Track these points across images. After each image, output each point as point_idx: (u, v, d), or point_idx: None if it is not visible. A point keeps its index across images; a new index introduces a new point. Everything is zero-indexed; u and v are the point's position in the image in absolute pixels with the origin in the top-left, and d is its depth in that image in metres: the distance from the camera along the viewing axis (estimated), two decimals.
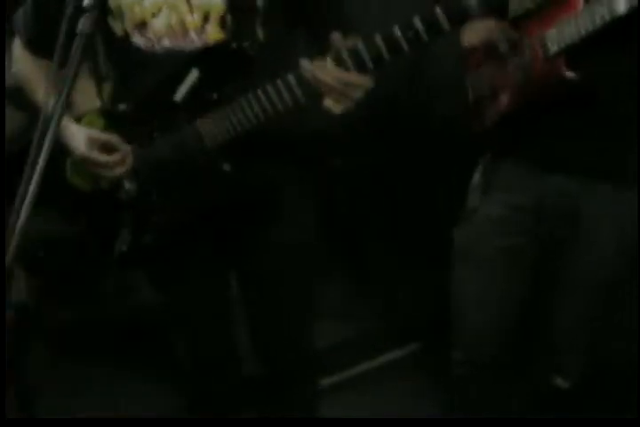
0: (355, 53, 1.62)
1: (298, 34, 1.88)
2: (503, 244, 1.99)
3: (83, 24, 1.39)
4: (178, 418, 2.39)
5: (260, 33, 1.81)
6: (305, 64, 1.66)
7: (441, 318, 2.21)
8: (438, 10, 1.53)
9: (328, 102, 1.69)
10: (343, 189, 3.09)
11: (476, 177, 2.09)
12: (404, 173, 3.06)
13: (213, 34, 1.80)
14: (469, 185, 2.11)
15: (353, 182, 3.13)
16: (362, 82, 1.64)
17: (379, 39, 1.59)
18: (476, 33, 1.92)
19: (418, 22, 1.55)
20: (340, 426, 2.38)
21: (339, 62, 1.63)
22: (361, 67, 1.62)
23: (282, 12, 1.83)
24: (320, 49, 1.71)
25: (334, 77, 1.63)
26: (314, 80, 1.65)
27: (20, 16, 1.92)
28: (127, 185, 1.88)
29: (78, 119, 1.90)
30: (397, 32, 1.57)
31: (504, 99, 1.95)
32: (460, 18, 1.54)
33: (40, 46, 1.90)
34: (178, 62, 1.78)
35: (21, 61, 1.96)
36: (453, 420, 2.23)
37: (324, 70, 1.64)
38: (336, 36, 1.65)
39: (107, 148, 1.84)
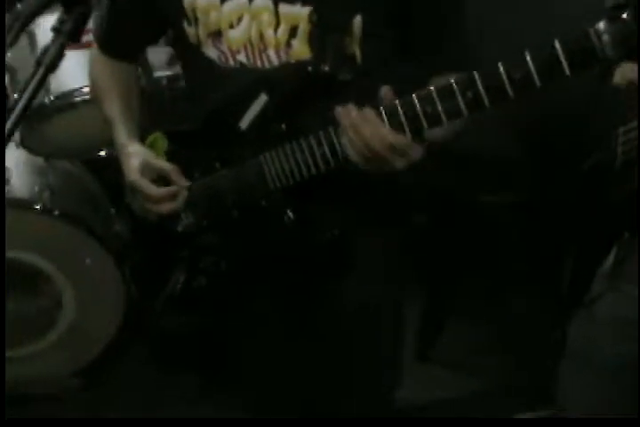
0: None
1: (404, 60, 1.54)
2: (624, 351, 1.56)
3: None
4: (178, 418, 2.27)
5: (358, 55, 1.49)
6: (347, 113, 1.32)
7: None
8: (558, 46, 1.16)
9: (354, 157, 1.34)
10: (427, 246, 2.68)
11: (609, 260, 1.67)
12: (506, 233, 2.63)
13: (299, 52, 1.48)
14: (599, 268, 1.69)
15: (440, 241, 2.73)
16: (415, 152, 1.30)
17: (476, 79, 1.23)
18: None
19: (529, 61, 1.18)
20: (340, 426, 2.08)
21: (391, 119, 1.29)
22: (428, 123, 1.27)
23: (388, 32, 1.48)
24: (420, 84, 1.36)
25: (381, 139, 1.28)
26: (354, 136, 1.31)
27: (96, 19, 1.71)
28: (185, 218, 1.62)
29: (143, 137, 1.67)
30: (502, 72, 1.20)
31: None
32: (587, 62, 1.16)
33: (115, 47, 1.70)
34: (249, 83, 1.50)
35: (96, 67, 1.75)
36: (453, 420, 1.94)
37: (372, 124, 1.29)
38: (387, 91, 1.31)
39: (163, 178, 1.59)
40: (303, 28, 1.46)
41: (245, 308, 1.70)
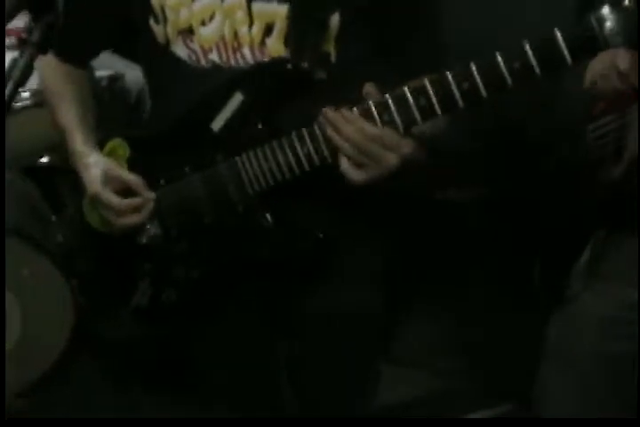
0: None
1: (379, 59, 1.49)
2: (608, 350, 1.55)
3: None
4: (178, 418, 2.18)
5: (333, 53, 1.44)
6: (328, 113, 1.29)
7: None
8: (559, 35, 1.13)
9: (345, 165, 1.30)
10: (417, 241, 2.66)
11: (584, 257, 1.66)
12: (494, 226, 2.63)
13: (274, 50, 1.43)
14: (575, 264, 1.68)
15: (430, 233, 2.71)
16: (406, 147, 1.26)
17: (472, 70, 1.19)
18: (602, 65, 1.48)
19: (528, 50, 1.15)
20: (341, 426, 2.03)
21: (382, 114, 1.26)
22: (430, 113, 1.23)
23: (364, 30, 1.45)
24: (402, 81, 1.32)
25: (367, 135, 1.25)
26: (336, 132, 1.27)
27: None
28: (150, 229, 1.54)
29: (101, 144, 1.58)
30: (500, 62, 1.17)
31: (630, 161, 1.52)
32: (588, 49, 1.14)
33: (70, 51, 1.59)
34: (222, 82, 1.43)
35: (48, 71, 1.64)
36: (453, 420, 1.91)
37: (354, 122, 1.26)
38: (369, 87, 1.28)
39: (125, 189, 1.51)
40: (279, 25, 1.41)
41: (219, 318, 1.62)
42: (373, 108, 1.27)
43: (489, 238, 2.65)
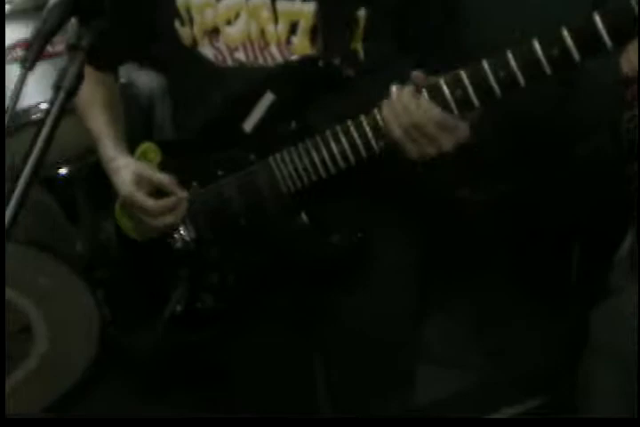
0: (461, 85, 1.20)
1: (408, 56, 1.47)
2: None
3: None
4: (178, 418, 2.06)
5: (360, 50, 1.41)
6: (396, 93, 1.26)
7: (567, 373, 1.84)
8: (598, 18, 1.10)
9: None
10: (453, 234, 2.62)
11: (624, 247, 1.62)
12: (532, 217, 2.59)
13: (301, 48, 1.41)
14: (615, 255, 1.65)
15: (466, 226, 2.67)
16: (462, 130, 1.23)
17: (509, 59, 1.16)
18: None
19: (567, 36, 1.12)
20: (340, 426, 2.00)
21: (436, 97, 1.23)
22: (465, 104, 1.21)
23: (390, 27, 1.43)
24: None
25: (430, 118, 1.22)
26: (394, 117, 1.24)
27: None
28: (184, 233, 1.50)
29: (131, 149, 1.55)
30: (537, 49, 1.14)
31: None
32: (628, 32, 1.10)
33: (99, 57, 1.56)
34: (251, 82, 1.40)
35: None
36: (453, 420, 1.86)
37: (417, 106, 1.23)
38: (418, 73, 1.25)
39: (158, 190, 1.48)
40: (304, 23, 1.39)
41: (255, 322, 1.59)
42: (425, 93, 1.24)
43: (517, 234, 2.62)
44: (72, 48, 1.02)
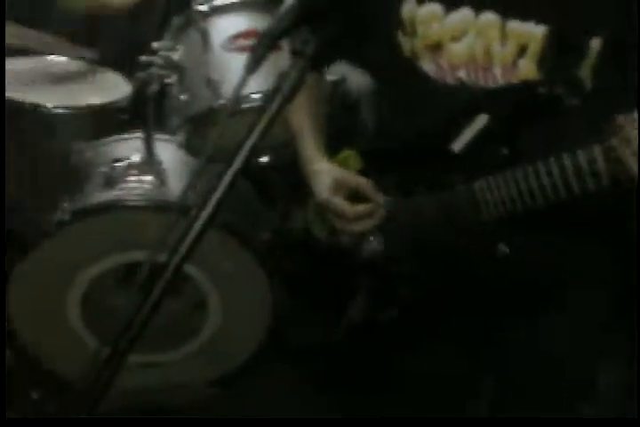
0: None
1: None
2: None
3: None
4: (178, 418, 2.15)
5: (587, 80, 1.37)
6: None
7: None
8: None
9: None
10: None
11: None
12: None
13: (526, 73, 1.37)
14: None
15: None
16: None
17: None
18: None
19: None
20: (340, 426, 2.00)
21: None
22: None
23: (621, 59, 1.37)
24: None
25: None
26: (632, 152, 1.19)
27: None
28: (373, 243, 1.51)
29: (332, 153, 1.57)
30: None
31: None
32: None
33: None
34: (468, 101, 1.39)
35: None
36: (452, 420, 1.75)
37: None
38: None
39: (355, 195, 1.48)
40: (534, 47, 1.35)
41: (429, 339, 1.58)
42: None
43: None
44: (296, 53, 1.05)
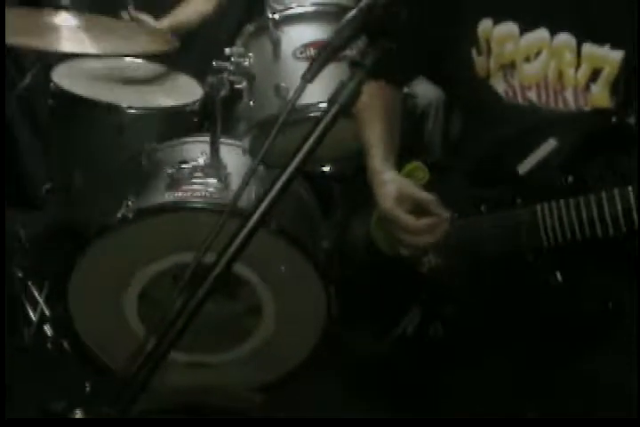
0: None
1: None
2: None
3: None
4: (178, 418, 2.13)
5: None
6: None
7: None
8: None
9: None
10: None
11: None
12: None
13: (598, 98, 1.36)
14: None
15: None
16: None
17: None
18: None
19: None
20: (339, 426, 1.97)
21: None
22: None
23: None
24: None
25: None
26: None
27: None
28: (433, 259, 1.50)
29: (400, 165, 1.57)
30: None
31: None
32: None
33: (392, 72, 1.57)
34: (537, 124, 1.37)
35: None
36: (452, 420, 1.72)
37: None
38: None
39: (419, 209, 1.47)
40: (608, 72, 1.34)
41: (474, 361, 1.56)
42: None
43: None
44: (355, 65, 1.04)
